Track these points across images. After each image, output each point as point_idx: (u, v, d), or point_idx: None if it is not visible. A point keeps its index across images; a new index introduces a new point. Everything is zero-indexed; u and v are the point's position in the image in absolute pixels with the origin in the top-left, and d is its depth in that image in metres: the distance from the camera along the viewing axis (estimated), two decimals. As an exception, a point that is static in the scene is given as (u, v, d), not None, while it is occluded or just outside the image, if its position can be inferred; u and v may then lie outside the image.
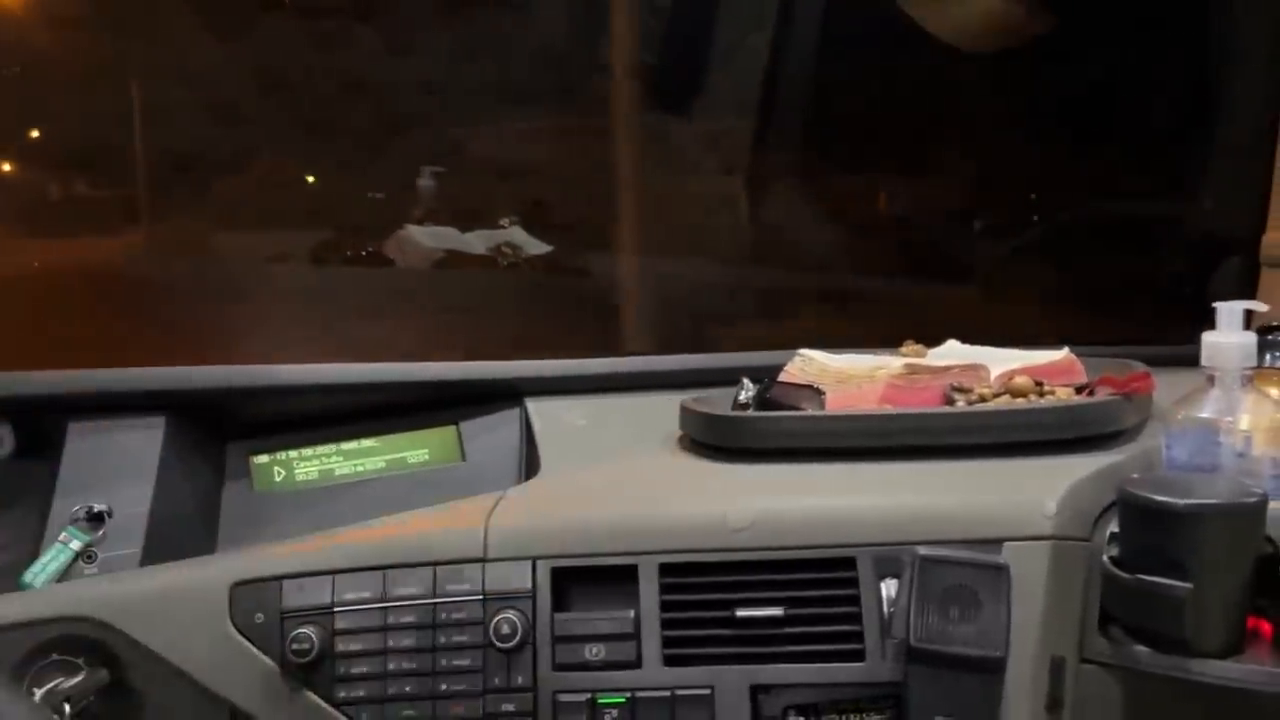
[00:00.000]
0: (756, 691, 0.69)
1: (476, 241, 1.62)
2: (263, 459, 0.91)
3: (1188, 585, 0.62)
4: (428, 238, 1.63)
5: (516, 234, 1.61)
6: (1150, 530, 0.64)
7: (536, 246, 1.62)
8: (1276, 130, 1.26)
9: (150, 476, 0.83)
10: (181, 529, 0.84)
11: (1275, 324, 0.84)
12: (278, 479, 0.91)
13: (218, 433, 0.91)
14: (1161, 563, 0.63)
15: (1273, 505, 0.65)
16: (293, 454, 0.91)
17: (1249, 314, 0.73)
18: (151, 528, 0.81)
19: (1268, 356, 0.81)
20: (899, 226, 1.72)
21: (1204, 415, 0.71)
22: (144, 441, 0.84)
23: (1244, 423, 0.70)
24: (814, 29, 1.73)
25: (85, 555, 0.79)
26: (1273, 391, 0.76)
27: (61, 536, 0.79)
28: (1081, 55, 1.43)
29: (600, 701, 0.69)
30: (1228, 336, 0.71)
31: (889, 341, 0.98)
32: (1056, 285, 1.54)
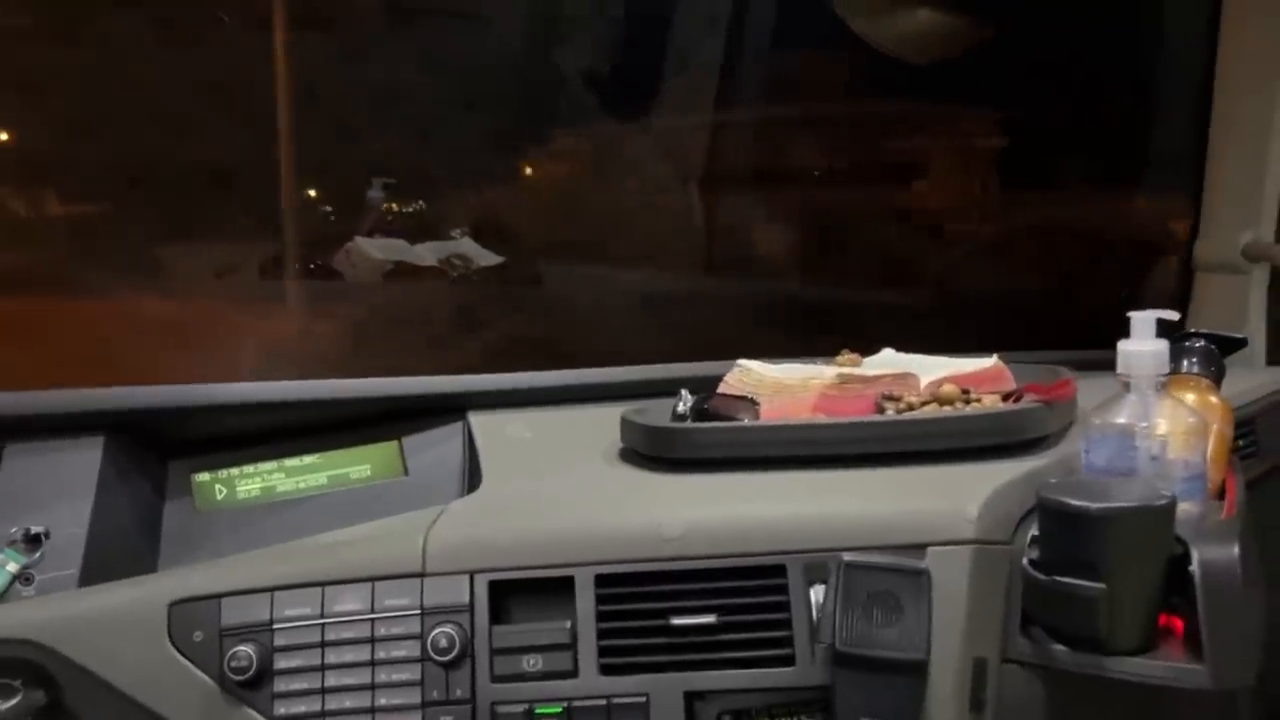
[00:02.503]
0: (691, 698, 0.70)
1: (427, 253, 1.62)
2: (204, 477, 0.91)
3: (1101, 585, 0.64)
4: (378, 250, 1.63)
5: (466, 245, 1.62)
6: (1066, 533, 0.66)
7: (487, 258, 1.63)
8: (1206, 138, 1.30)
9: (89, 497, 0.82)
10: (121, 549, 0.84)
11: (1191, 330, 0.87)
12: (219, 497, 0.91)
13: (158, 451, 0.91)
14: (1077, 564, 0.65)
15: (1182, 506, 0.67)
16: (234, 471, 0.91)
17: (1165, 322, 0.76)
18: (90, 548, 0.81)
19: (1184, 362, 0.84)
20: (839, 233, 1.75)
21: (1120, 421, 0.73)
22: (82, 462, 0.84)
23: (1159, 428, 0.73)
24: (768, 34, 1.75)
25: (22, 577, 0.79)
26: (1187, 397, 0.79)
27: (-2, 559, 0.79)
28: (1016, 64, 1.47)
29: (538, 711, 0.70)
30: (1140, 345, 0.73)
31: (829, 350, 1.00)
32: (995, 292, 1.57)
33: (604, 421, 0.91)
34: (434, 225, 1.73)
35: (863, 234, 1.70)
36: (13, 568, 0.79)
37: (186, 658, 0.72)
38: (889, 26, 1.40)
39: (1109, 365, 0.84)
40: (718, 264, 1.79)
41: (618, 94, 1.78)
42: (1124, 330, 0.73)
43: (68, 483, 0.83)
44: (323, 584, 0.73)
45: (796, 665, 0.69)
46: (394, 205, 1.74)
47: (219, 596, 0.73)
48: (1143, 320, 0.74)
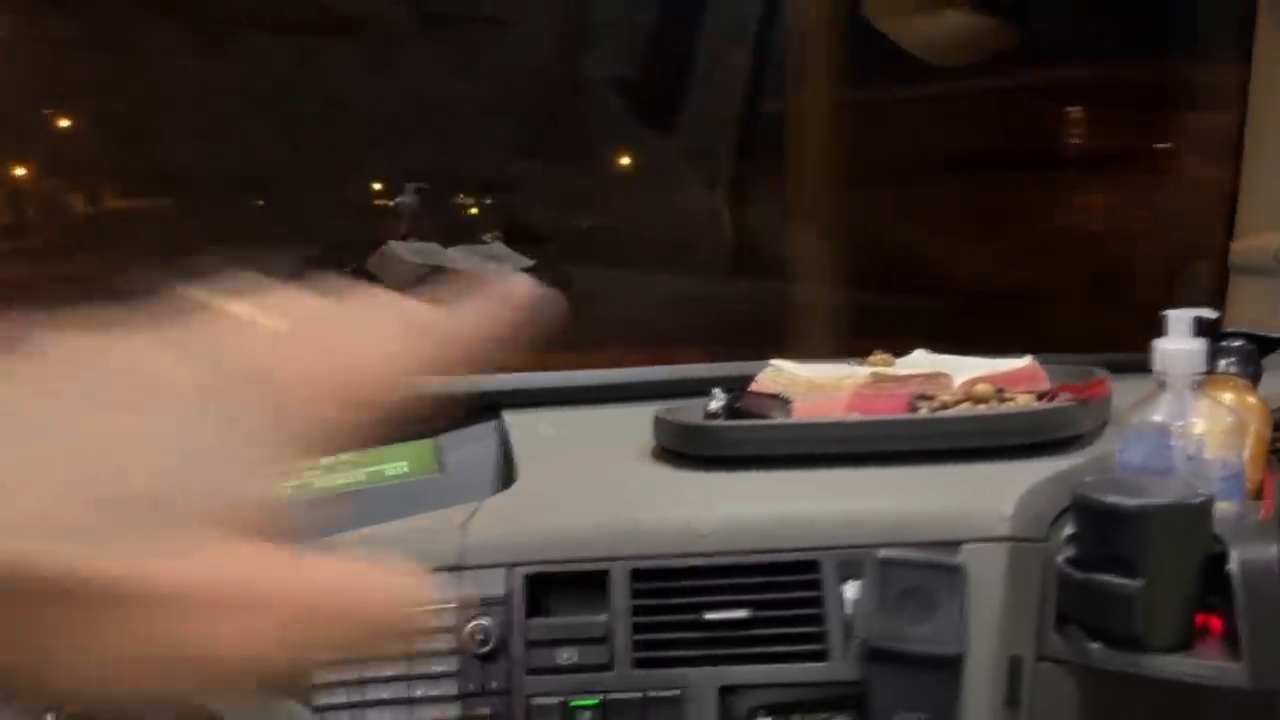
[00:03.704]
0: (725, 692, 0.71)
1: (459, 256, 1.64)
2: (244, 472, 0.93)
3: (1138, 583, 0.64)
4: (411, 253, 1.65)
5: (498, 248, 1.63)
6: (1102, 530, 0.66)
7: (518, 260, 1.64)
8: (1243, 137, 1.29)
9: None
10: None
11: (1229, 330, 0.87)
12: (259, 492, 0.92)
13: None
14: (1113, 562, 0.65)
15: (1220, 505, 0.67)
16: (274, 467, 0.92)
17: (1202, 321, 0.76)
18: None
19: (1221, 362, 0.84)
20: (870, 240, 1.75)
21: (1156, 419, 0.73)
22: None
23: (1196, 427, 0.73)
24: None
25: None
26: (1224, 396, 0.79)
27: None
28: (1048, 65, 1.46)
29: (573, 705, 0.71)
30: (1177, 343, 0.73)
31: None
32: (1028, 296, 1.57)
33: (636, 420, 0.91)
34: (468, 228, 1.75)
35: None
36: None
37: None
38: (918, 28, 1.40)
39: (1141, 367, 0.84)
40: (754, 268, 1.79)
41: (655, 100, 1.79)
42: (1144, 336, 0.73)
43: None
44: (362, 576, 0.74)
45: (830, 660, 0.70)
46: (471, 206, 1.75)
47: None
48: (1179, 318, 0.74)
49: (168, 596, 0.24)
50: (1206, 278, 1.32)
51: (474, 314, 0.32)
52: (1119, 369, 0.97)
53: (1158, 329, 0.74)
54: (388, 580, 0.28)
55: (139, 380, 0.27)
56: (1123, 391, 0.85)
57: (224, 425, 0.27)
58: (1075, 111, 1.52)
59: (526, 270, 1.69)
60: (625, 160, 1.89)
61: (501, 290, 0.32)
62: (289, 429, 0.28)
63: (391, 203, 1.73)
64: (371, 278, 1.72)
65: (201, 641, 0.25)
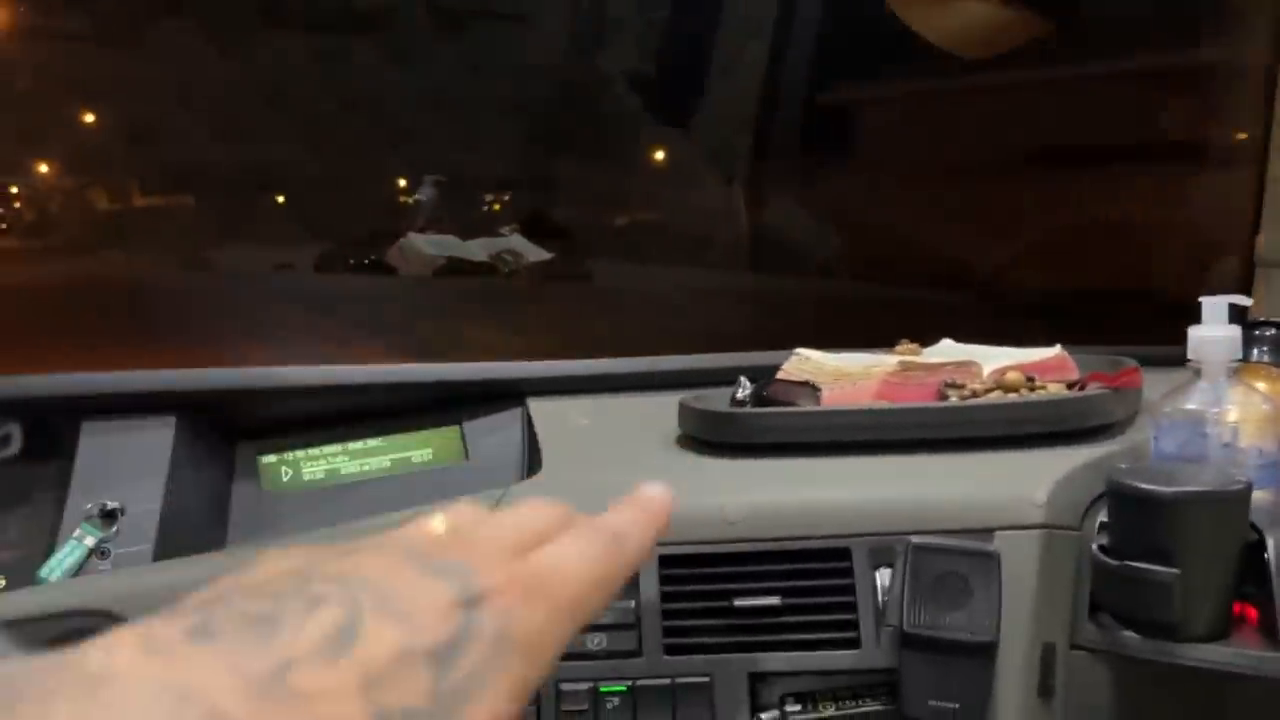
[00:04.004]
0: (755, 679, 0.70)
1: (478, 249, 1.64)
2: (270, 459, 0.93)
3: (1174, 571, 0.63)
4: (429, 245, 1.65)
5: (517, 241, 1.63)
6: (1138, 518, 0.66)
7: (537, 253, 1.64)
8: (1269, 131, 1.28)
9: (162, 475, 0.84)
10: (192, 526, 0.86)
11: (1262, 319, 0.86)
12: (285, 479, 0.93)
13: (227, 433, 0.93)
14: (1149, 550, 0.65)
15: (1257, 494, 0.66)
16: (300, 454, 0.93)
17: (1236, 308, 0.75)
18: (163, 525, 0.83)
19: (1254, 351, 0.83)
20: (895, 233, 1.74)
21: (1191, 407, 0.72)
22: (155, 441, 0.86)
23: (1231, 415, 0.72)
24: (811, 37, 1.75)
25: (99, 551, 0.81)
26: (1259, 384, 0.78)
27: (76, 533, 0.81)
28: (1076, 59, 1.45)
29: (602, 690, 0.71)
30: (1212, 330, 0.72)
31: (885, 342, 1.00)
32: (1056, 289, 1.55)
33: (661, 409, 0.91)
34: (485, 221, 1.75)
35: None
36: (90, 542, 0.81)
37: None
38: (942, 19, 1.39)
39: (1170, 360, 0.84)
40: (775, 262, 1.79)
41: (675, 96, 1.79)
42: (1171, 329, 0.73)
43: (142, 461, 0.85)
44: (390, 561, 0.74)
45: (861, 648, 0.69)
46: (489, 200, 1.75)
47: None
48: (1214, 305, 0.73)
49: None
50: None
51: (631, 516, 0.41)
52: (1149, 361, 0.96)
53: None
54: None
55: (398, 591, 0.31)
56: (1151, 384, 0.85)
57: (472, 636, 0.30)
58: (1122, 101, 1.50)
59: (545, 263, 1.69)
60: (645, 155, 1.89)
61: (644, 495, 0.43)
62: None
63: (410, 198, 1.74)
64: (390, 269, 1.73)
65: None
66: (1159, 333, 0.95)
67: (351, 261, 1.73)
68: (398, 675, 0.28)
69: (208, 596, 0.31)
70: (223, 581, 0.31)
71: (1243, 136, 1.31)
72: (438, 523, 0.36)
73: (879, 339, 0.99)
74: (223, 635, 0.28)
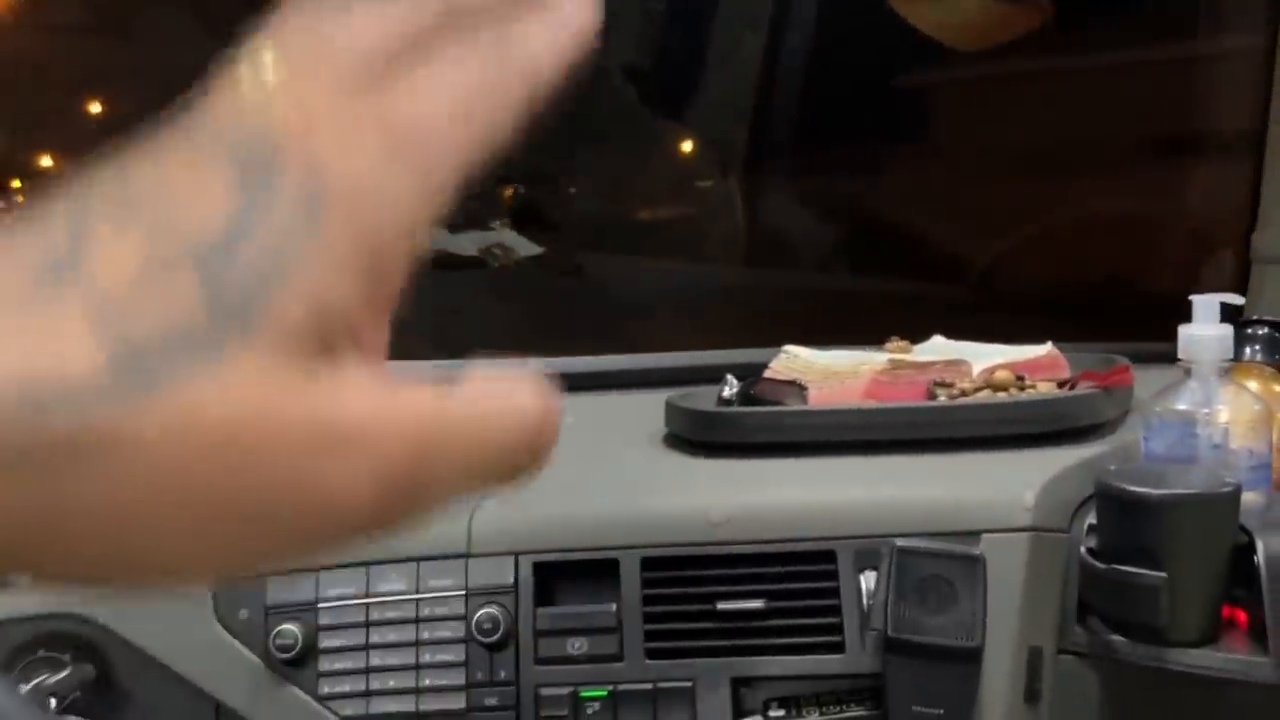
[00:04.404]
0: (737, 684, 0.69)
1: (467, 243, 1.62)
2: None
3: (1162, 574, 0.63)
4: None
5: (507, 235, 1.62)
6: (1126, 521, 0.65)
7: (527, 247, 1.62)
8: (1265, 126, 1.26)
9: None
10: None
11: (1254, 318, 0.85)
12: (265, 477, 0.91)
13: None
14: (1137, 553, 0.64)
15: (1247, 496, 0.65)
16: (280, 452, 0.91)
17: (1228, 307, 0.74)
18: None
19: (1247, 350, 0.82)
20: (892, 227, 1.73)
21: (1181, 407, 0.71)
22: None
23: (1221, 415, 0.71)
24: (809, 29, 1.74)
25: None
26: (1250, 384, 0.77)
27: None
28: (1070, 50, 1.44)
29: (582, 695, 0.70)
30: (1203, 329, 0.71)
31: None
32: (1048, 285, 1.54)
33: (647, 407, 0.90)
34: (473, 214, 1.73)
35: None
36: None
37: (232, 635, 0.73)
38: (937, 13, 1.38)
39: (1163, 357, 0.83)
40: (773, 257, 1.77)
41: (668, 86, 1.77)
42: (1165, 326, 0.72)
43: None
44: (368, 564, 0.73)
45: (846, 652, 0.68)
46: (479, 192, 1.73)
47: (264, 575, 0.73)
48: (1205, 304, 0.72)
49: (234, 438, 0.20)
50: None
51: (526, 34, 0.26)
52: (1142, 358, 0.95)
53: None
54: (519, 397, 0.25)
55: (143, 191, 0.22)
56: (1143, 381, 0.83)
57: (259, 211, 0.21)
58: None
59: (535, 258, 1.67)
60: (640, 147, 1.87)
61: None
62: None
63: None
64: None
65: (292, 491, 0.21)
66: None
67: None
68: (144, 293, 0.20)
69: None
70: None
71: (1239, 130, 1.29)
72: (249, 67, 0.24)
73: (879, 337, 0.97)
74: None
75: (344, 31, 0.24)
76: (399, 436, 0.22)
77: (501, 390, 0.24)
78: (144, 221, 0.21)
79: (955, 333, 0.99)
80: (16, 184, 1.76)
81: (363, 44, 0.24)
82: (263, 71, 0.23)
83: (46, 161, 1.81)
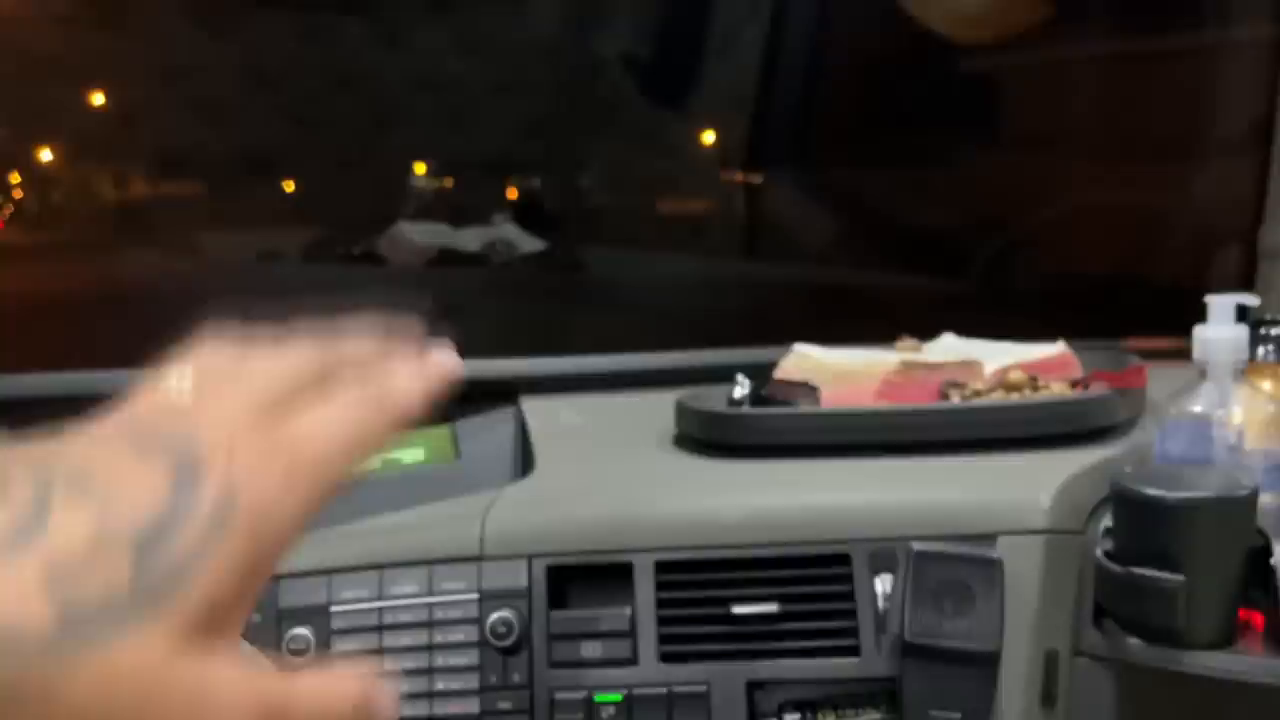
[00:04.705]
0: (752, 688, 0.69)
1: (469, 239, 1.61)
2: (258, 459, 0.91)
3: (1180, 577, 0.62)
4: (420, 235, 1.63)
5: (509, 230, 1.61)
6: (1142, 523, 0.64)
7: (530, 243, 1.62)
8: (1273, 121, 1.26)
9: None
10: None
11: (1269, 317, 0.85)
12: (273, 479, 0.91)
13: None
14: (1154, 555, 0.63)
15: (1263, 498, 0.65)
16: (288, 454, 0.91)
17: (1242, 307, 0.73)
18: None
19: (1260, 350, 0.81)
20: (897, 222, 1.72)
21: (1196, 409, 0.71)
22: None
23: (1236, 416, 0.71)
24: (810, 19, 1.73)
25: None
26: (1265, 385, 0.77)
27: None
28: (1075, 45, 1.43)
29: (597, 699, 0.70)
30: (1219, 330, 0.71)
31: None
32: (1054, 281, 1.54)
33: (657, 407, 0.89)
34: (476, 210, 1.72)
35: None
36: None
37: (245, 639, 0.72)
38: (942, 5, 1.37)
39: (1173, 355, 0.82)
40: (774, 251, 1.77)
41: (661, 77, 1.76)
42: (1173, 322, 0.71)
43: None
44: (380, 567, 0.72)
45: (861, 656, 0.68)
46: (482, 187, 1.72)
47: (276, 578, 0.73)
48: (1221, 304, 0.72)
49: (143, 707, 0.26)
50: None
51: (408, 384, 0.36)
52: (1153, 356, 0.95)
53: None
54: (366, 691, 0.31)
55: (96, 473, 0.27)
56: (1151, 378, 0.83)
57: (186, 513, 0.27)
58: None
59: (538, 254, 1.67)
60: (645, 140, 1.86)
61: (425, 363, 0.37)
62: (251, 509, 0.29)
63: (414, 184, 1.72)
64: (380, 259, 1.70)
65: None
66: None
67: (340, 251, 1.71)
68: (90, 566, 0.26)
69: None
70: None
71: (1246, 124, 1.29)
72: (176, 381, 0.31)
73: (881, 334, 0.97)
74: None
75: (258, 369, 0.31)
76: (255, 707, 0.29)
77: (335, 680, 0.31)
78: (96, 499, 0.27)
79: (956, 328, 0.98)
80: (16, 179, 1.75)
81: (272, 382, 0.31)
82: (190, 389, 0.30)
83: (46, 155, 1.79)
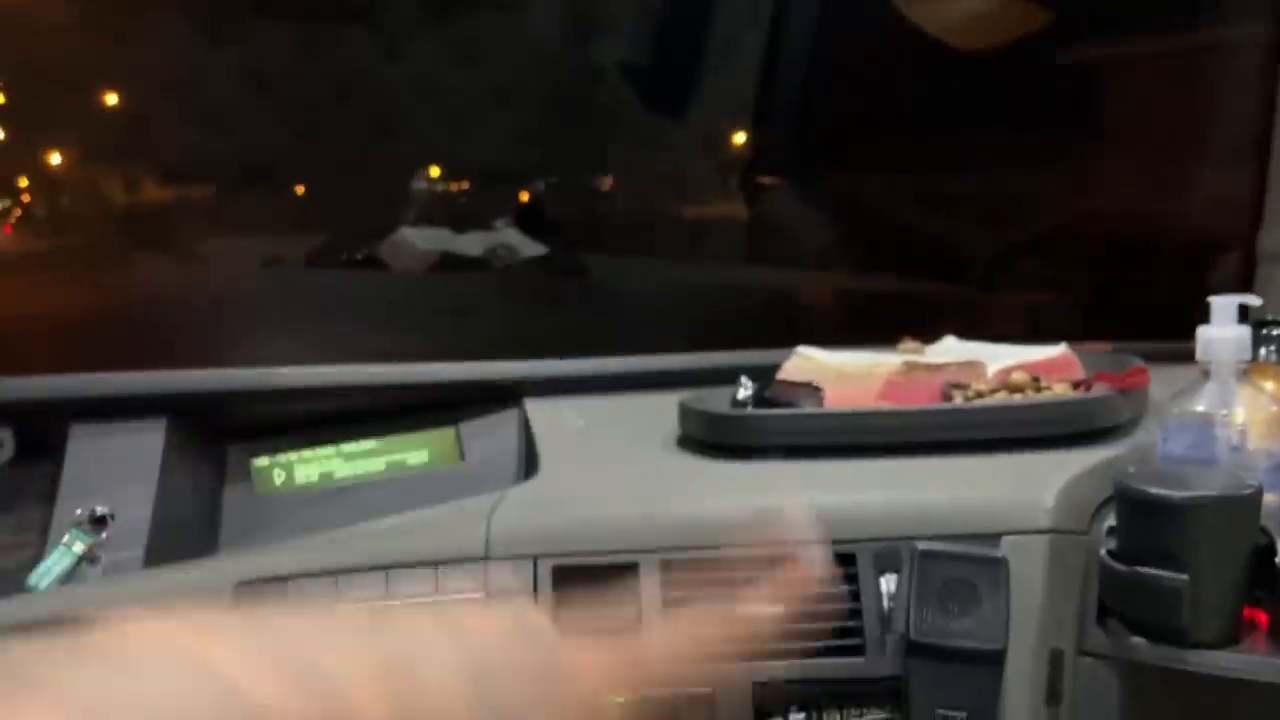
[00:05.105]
0: (758, 688, 0.69)
1: (471, 244, 1.62)
2: (263, 462, 0.91)
3: (1184, 577, 0.62)
4: (422, 240, 1.63)
5: (511, 235, 1.61)
6: (1147, 523, 0.65)
7: (532, 247, 1.62)
8: (1272, 124, 1.27)
9: (152, 479, 0.83)
10: (183, 531, 0.84)
11: (1271, 318, 0.85)
12: (278, 482, 0.91)
13: (218, 436, 0.92)
14: (1158, 555, 0.64)
15: (1267, 497, 0.65)
16: (293, 456, 0.91)
17: (1245, 308, 0.74)
18: (154, 530, 0.81)
19: (1263, 350, 0.82)
20: (897, 227, 1.73)
21: (1199, 409, 0.71)
22: (145, 445, 0.84)
23: (1239, 416, 0.71)
24: (810, 27, 1.73)
25: (89, 558, 0.80)
26: (1268, 385, 0.77)
27: (65, 539, 0.79)
28: (1074, 50, 1.44)
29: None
30: (1222, 330, 0.71)
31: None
32: (1055, 283, 1.54)
33: (660, 409, 0.90)
34: (477, 215, 1.72)
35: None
36: (79, 548, 0.79)
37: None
38: (941, 11, 1.38)
39: (1174, 356, 0.83)
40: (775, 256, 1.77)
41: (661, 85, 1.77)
42: (1174, 324, 0.72)
43: (132, 465, 0.83)
44: (387, 568, 0.73)
45: (866, 655, 0.68)
46: (484, 192, 1.73)
47: (284, 579, 0.73)
48: (1223, 305, 0.72)
49: None
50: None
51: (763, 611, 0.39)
52: (1153, 358, 0.95)
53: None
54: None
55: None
56: (1158, 380, 0.84)
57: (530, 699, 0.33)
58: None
59: (540, 258, 1.67)
60: (644, 146, 1.87)
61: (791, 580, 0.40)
62: None
63: (420, 189, 1.72)
64: (382, 265, 1.70)
65: None
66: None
67: (343, 257, 1.71)
68: (447, 695, 0.31)
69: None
70: None
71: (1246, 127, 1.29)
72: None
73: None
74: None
75: None
76: None
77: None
78: None
79: (958, 332, 0.99)
80: (23, 182, 1.76)
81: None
82: None
83: (46, 161, 1.80)
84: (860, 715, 0.69)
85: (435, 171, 1.76)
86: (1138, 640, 0.66)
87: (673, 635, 0.38)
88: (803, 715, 0.70)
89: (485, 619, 0.33)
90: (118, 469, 0.83)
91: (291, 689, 0.26)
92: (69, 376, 0.86)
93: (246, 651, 0.27)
